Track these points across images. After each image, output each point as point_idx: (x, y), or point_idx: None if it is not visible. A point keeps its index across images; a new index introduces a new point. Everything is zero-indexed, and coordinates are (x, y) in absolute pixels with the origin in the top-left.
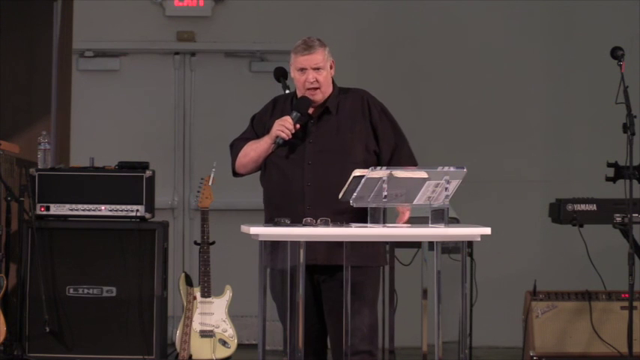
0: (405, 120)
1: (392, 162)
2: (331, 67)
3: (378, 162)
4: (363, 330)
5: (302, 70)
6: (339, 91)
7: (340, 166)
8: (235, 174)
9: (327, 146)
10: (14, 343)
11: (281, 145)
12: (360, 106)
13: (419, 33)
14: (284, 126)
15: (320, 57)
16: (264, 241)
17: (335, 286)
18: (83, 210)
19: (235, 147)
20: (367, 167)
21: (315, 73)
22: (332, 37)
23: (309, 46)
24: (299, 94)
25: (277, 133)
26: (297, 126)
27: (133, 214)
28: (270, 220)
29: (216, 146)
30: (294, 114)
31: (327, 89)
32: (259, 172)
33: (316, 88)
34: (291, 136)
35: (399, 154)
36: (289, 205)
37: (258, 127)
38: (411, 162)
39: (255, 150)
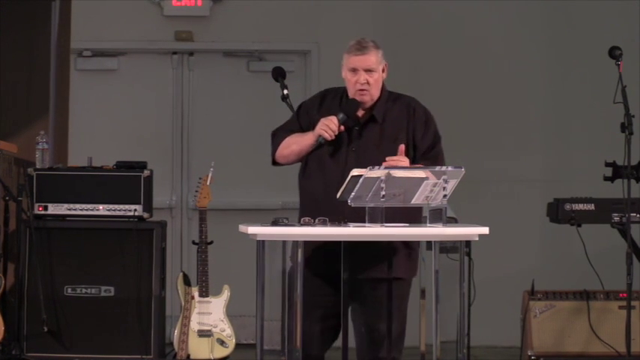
0: None
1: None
2: (383, 71)
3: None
4: (394, 338)
5: (354, 70)
6: (388, 98)
7: None
8: (275, 163)
9: (368, 157)
10: (12, 343)
11: (323, 144)
12: (406, 116)
13: (417, 33)
14: (329, 126)
15: (373, 59)
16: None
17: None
18: (81, 210)
19: (277, 137)
20: None
21: (367, 75)
22: (329, 37)
23: (363, 47)
24: (350, 94)
25: (321, 132)
26: (342, 127)
27: (131, 213)
28: (298, 221)
29: (215, 146)
30: (341, 115)
31: (377, 92)
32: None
33: (366, 90)
34: (334, 137)
35: (427, 156)
36: (325, 212)
37: (304, 118)
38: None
39: (297, 144)
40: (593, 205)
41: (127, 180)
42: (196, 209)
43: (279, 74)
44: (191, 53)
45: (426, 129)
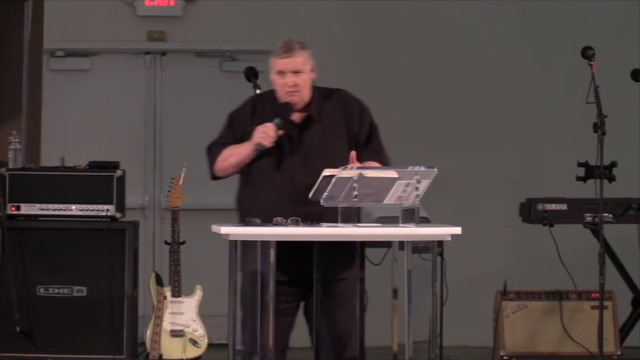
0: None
1: (361, 155)
2: (312, 71)
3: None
4: (353, 336)
5: (281, 73)
6: (319, 95)
7: None
8: (214, 177)
9: (314, 158)
10: None
11: (262, 152)
12: (341, 110)
13: (391, 32)
14: (266, 133)
15: (300, 60)
16: (236, 243)
17: (327, 294)
18: (54, 210)
19: (213, 151)
20: None
21: (295, 77)
22: (303, 37)
23: (289, 48)
24: (279, 97)
25: (259, 141)
26: (280, 132)
27: (104, 213)
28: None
29: (187, 146)
30: (277, 120)
31: (307, 93)
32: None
33: (295, 91)
34: (273, 144)
35: (368, 149)
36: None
37: (236, 129)
38: (377, 156)
39: (235, 155)
40: (565, 205)
41: (100, 180)
42: (169, 209)
43: (251, 74)
44: (164, 53)
45: (362, 119)
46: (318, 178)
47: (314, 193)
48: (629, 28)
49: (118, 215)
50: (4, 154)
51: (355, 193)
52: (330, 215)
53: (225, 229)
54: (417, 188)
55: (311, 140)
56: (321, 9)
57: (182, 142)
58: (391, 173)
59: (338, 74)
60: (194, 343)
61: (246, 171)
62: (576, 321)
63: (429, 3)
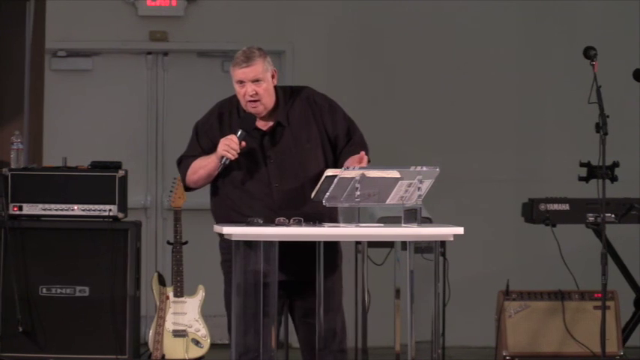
0: (378, 119)
1: (344, 150)
2: (273, 77)
3: (334, 156)
4: (337, 330)
5: (241, 82)
6: (285, 98)
7: (306, 183)
8: (188, 189)
9: (288, 163)
10: None
11: (227, 165)
12: (309, 109)
13: (391, 32)
14: (229, 146)
15: (259, 68)
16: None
17: (306, 291)
18: (56, 210)
19: (183, 164)
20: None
21: (254, 86)
22: (303, 37)
23: (248, 57)
24: (242, 106)
25: (223, 154)
26: (243, 144)
27: (106, 213)
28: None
29: None
30: (240, 132)
31: (269, 100)
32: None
33: (256, 101)
34: (237, 156)
35: (351, 142)
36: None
37: (204, 140)
38: (362, 147)
39: (203, 168)
40: (567, 205)
41: (102, 180)
42: (171, 209)
43: None
44: (165, 53)
45: (333, 114)
46: (294, 183)
47: (316, 193)
48: (630, 28)
49: (121, 215)
50: (6, 154)
51: (357, 193)
52: (313, 219)
53: (227, 230)
54: (419, 188)
55: (283, 146)
56: (322, 9)
57: (184, 142)
58: (393, 173)
59: (338, 75)
60: (196, 343)
61: (221, 180)
62: (579, 321)
63: (429, 3)
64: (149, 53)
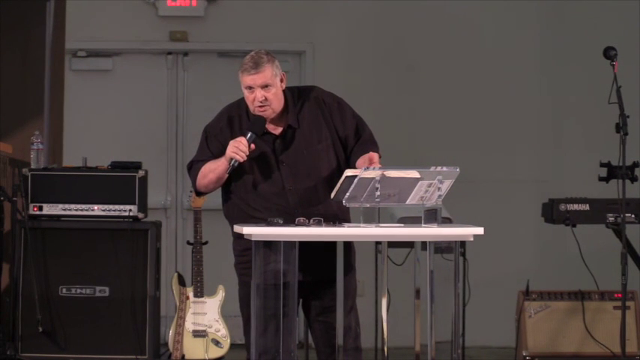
0: (398, 120)
1: (355, 148)
2: (282, 81)
3: (346, 155)
4: (352, 328)
5: (250, 88)
6: (293, 100)
7: (319, 184)
8: (199, 194)
9: (299, 165)
10: (7, 343)
11: (236, 167)
12: (319, 110)
13: (412, 33)
14: (238, 148)
15: (268, 74)
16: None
17: (322, 290)
18: (76, 210)
19: (194, 169)
20: (342, 171)
21: (264, 91)
22: (324, 37)
23: (256, 63)
24: (251, 110)
25: (232, 156)
26: (252, 146)
27: (126, 213)
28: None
29: None
30: (249, 135)
31: (278, 104)
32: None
33: (266, 106)
34: (246, 158)
35: (361, 140)
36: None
37: (214, 145)
38: (371, 145)
39: (213, 172)
40: (587, 205)
41: (122, 180)
42: (191, 209)
43: None
44: (186, 53)
45: (342, 113)
46: (307, 184)
47: (336, 193)
48: None
49: (141, 215)
50: (26, 154)
51: (378, 193)
52: (326, 220)
53: (247, 230)
54: (439, 188)
55: (295, 149)
56: (344, 9)
57: None
58: (413, 174)
59: (358, 75)
60: (216, 343)
61: (233, 184)
62: (599, 321)
63: (450, 4)
64: (169, 53)
